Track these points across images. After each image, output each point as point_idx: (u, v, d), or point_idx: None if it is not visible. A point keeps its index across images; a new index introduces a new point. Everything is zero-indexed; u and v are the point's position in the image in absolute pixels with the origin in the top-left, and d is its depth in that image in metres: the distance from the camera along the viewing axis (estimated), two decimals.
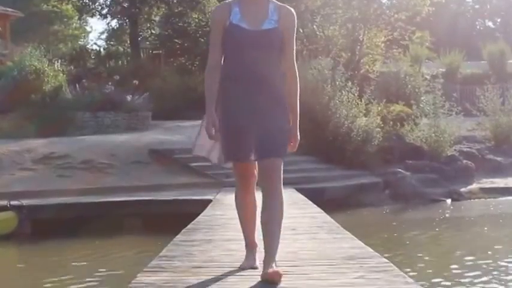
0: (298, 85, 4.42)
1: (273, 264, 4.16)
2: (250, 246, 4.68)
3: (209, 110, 4.28)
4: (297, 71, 4.42)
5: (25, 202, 11.78)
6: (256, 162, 4.40)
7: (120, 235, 10.82)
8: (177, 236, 6.58)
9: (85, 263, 8.88)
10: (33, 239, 11.02)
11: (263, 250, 4.28)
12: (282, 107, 4.34)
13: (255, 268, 4.49)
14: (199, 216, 8.41)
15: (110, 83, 19.77)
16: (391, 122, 18.00)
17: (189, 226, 7.45)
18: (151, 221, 11.34)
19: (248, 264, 4.59)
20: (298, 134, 4.46)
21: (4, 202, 11.68)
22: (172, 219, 9.60)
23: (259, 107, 4.26)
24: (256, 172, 4.46)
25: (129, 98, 19.27)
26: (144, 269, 4.70)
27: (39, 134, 16.69)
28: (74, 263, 8.88)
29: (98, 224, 10.92)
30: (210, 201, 10.88)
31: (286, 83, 4.36)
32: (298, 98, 4.44)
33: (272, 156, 4.25)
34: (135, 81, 21.24)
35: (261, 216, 4.29)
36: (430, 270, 7.84)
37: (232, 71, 4.30)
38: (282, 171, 4.28)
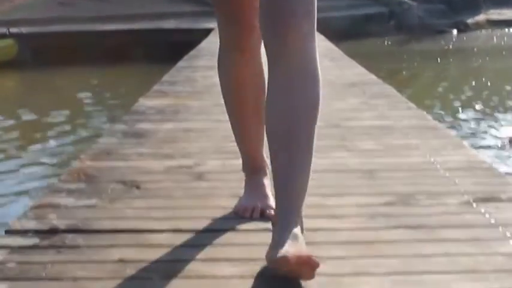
0: None
1: (295, 229, 1.55)
2: (253, 166, 2.05)
3: None
4: None
5: (25, 30, 11.62)
6: None
7: (121, 64, 10.76)
8: (179, 63, 6.52)
9: (87, 89, 8.88)
10: (35, 67, 10.98)
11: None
12: None
13: (265, 213, 1.90)
14: (201, 44, 8.31)
15: None
16: None
17: (191, 53, 7.37)
18: (153, 50, 11.23)
19: (249, 203, 1.95)
20: None
21: (3, 30, 11.53)
22: (173, 48, 9.50)
23: None
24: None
25: None
26: (146, 94, 4.67)
27: None
28: (76, 89, 8.88)
29: (99, 53, 10.82)
30: (211, 30, 10.72)
31: None
32: None
33: None
34: None
35: (267, 98, 1.66)
36: (427, 99, 7.85)
37: None
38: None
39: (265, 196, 1.95)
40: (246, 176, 2.05)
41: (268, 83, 1.64)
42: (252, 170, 2.03)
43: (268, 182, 1.99)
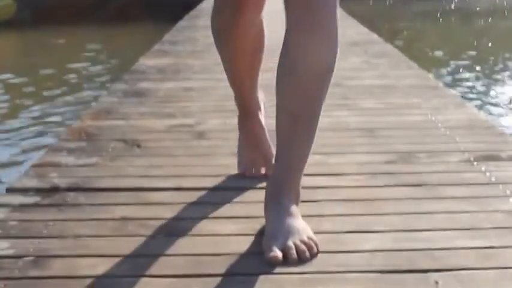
0: None
1: (288, 202, 1.51)
2: (248, 110, 1.96)
3: None
4: None
5: None
6: None
7: (122, 24, 10.69)
8: (180, 22, 6.48)
9: (87, 49, 8.84)
10: (34, 27, 10.92)
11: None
12: None
13: (267, 171, 1.88)
14: (201, 3, 8.25)
15: None
16: None
17: (191, 12, 7.32)
18: (154, 10, 11.14)
19: (251, 161, 1.93)
20: None
21: None
22: (174, 8, 9.42)
23: None
24: None
25: None
26: (147, 53, 4.65)
27: None
28: (76, 49, 8.84)
29: (99, 12, 10.74)
30: None
31: None
32: None
33: None
34: None
35: (278, 77, 1.52)
36: (429, 58, 7.82)
37: None
38: None
39: (266, 152, 1.91)
40: (240, 117, 1.97)
41: (283, 46, 1.51)
42: (247, 113, 1.95)
43: (263, 125, 1.93)
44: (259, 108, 1.96)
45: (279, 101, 1.53)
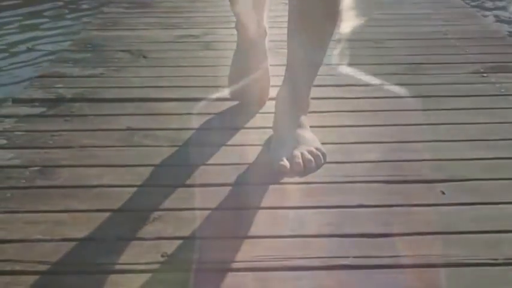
0: None
1: (297, 113, 1.50)
2: (255, 33, 1.75)
3: None
4: None
5: None
6: None
7: None
8: None
9: None
10: None
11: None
12: None
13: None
14: None
15: None
16: None
17: None
18: None
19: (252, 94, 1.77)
20: None
21: None
22: None
23: None
24: None
25: None
26: None
27: None
28: None
29: None
30: None
31: None
32: None
33: None
34: None
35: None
36: None
37: None
38: None
39: (264, 84, 1.76)
40: (242, 43, 1.76)
41: None
42: (255, 39, 1.74)
43: (267, 56, 1.76)
44: (266, 35, 1.76)
45: (291, 22, 1.44)
